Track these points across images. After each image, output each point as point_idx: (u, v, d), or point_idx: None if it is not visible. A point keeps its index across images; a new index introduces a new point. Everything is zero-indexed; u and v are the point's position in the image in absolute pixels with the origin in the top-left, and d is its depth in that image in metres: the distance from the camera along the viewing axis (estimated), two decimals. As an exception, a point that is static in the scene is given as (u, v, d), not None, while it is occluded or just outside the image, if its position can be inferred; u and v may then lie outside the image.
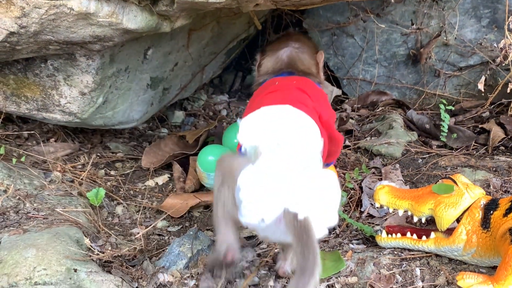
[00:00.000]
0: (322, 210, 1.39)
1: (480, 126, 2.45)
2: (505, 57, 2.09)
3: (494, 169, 2.12)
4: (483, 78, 2.31)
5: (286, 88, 1.74)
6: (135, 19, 1.70)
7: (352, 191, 2.09)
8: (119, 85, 2.15)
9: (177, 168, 2.36)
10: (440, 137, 2.34)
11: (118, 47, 1.98)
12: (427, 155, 2.28)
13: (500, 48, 2.10)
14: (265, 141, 1.49)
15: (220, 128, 2.69)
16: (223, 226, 1.49)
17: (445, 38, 2.57)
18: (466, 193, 1.52)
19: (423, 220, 1.59)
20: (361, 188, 2.11)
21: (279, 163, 1.42)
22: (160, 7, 1.71)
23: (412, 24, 2.58)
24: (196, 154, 2.34)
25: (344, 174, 2.20)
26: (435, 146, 2.36)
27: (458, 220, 1.53)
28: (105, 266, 1.72)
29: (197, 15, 1.93)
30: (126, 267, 1.74)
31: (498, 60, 2.16)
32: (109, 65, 2.01)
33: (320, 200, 1.38)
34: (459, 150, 2.31)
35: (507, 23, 2.12)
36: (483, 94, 2.50)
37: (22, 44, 1.69)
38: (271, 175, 1.39)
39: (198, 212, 2.16)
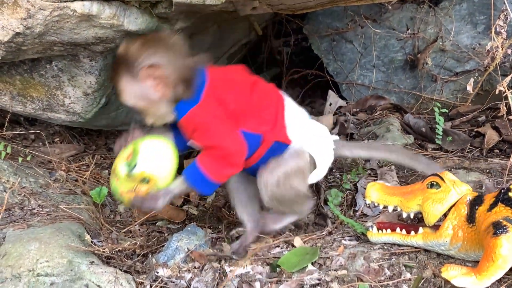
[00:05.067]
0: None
1: (475, 129, 2.48)
2: (493, 59, 2.12)
3: (487, 170, 2.15)
4: (471, 80, 2.34)
5: None
6: (135, 21, 1.73)
7: (348, 192, 2.14)
8: (122, 86, 2.17)
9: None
10: (436, 140, 2.37)
11: (120, 49, 2.01)
12: (422, 157, 2.31)
13: (487, 50, 2.14)
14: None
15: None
16: None
17: (441, 43, 2.61)
18: (453, 190, 1.56)
19: (412, 216, 1.62)
20: (356, 188, 2.15)
21: None
22: (159, 9, 1.74)
23: (407, 29, 2.63)
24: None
25: (341, 175, 2.25)
26: (431, 149, 2.39)
27: (445, 216, 1.57)
28: (106, 261, 1.75)
29: (197, 19, 1.96)
30: (126, 261, 1.78)
31: (485, 62, 2.19)
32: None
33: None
34: (454, 152, 2.34)
35: (493, 27, 2.15)
36: (479, 98, 2.53)
37: (27, 44, 1.72)
38: None
39: (197, 210, 2.21)
